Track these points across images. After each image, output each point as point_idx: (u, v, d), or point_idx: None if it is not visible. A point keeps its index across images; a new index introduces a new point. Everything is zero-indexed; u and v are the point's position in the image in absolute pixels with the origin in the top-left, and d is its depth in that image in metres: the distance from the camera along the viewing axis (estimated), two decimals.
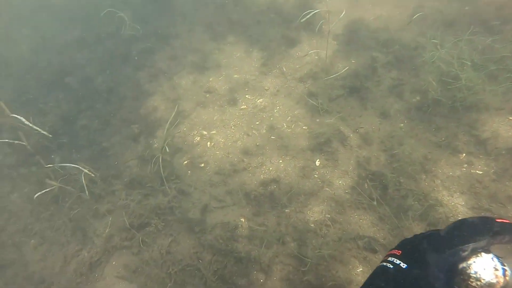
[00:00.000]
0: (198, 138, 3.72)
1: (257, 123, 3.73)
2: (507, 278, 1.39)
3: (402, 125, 3.38)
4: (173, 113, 3.52)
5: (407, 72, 3.72)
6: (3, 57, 5.16)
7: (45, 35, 5.43)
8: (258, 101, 3.94)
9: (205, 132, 3.76)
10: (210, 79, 4.26)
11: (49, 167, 3.32)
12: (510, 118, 3.14)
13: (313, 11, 3.54)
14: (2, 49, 5.32)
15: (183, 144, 3.68)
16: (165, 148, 3.13)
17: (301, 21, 3.63)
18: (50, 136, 3.57)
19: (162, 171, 3.15)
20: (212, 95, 4.09)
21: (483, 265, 1.39)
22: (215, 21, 4.81)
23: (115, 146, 3.74)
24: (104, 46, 4.95)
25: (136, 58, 4.65)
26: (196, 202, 3.17)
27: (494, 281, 1.37)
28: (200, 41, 4.67)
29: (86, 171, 3.20)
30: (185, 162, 3.54)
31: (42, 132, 3.34)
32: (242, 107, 3.91)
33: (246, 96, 4.02)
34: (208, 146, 3.64)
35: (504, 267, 1.39)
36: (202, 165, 3.49)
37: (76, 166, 3.16)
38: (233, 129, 3.74)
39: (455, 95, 3.24)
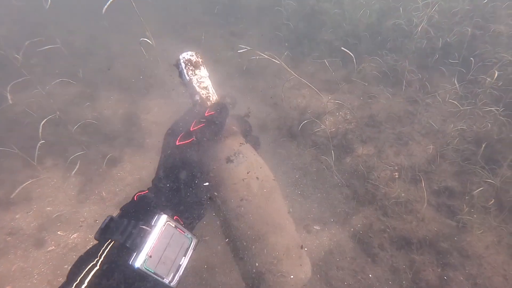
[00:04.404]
0: None
1: (65, 267, 3.20)
2: None
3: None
4: None
5: None
6: None
7: None
8: (71, 237, 3.45)
9: None
10: (17, 216, 3.66)
11: None
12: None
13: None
14: None
15: None
16: None
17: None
18: None
19: None
20: (15, 237, 3.46)
21: None
22: (32, 143, 4.33)
23: None
24: None
25: None
26: None
27: None
28: (9, 169, 4.10)
29: None
30: None
31: None
32: (50, 248, 3.37)
33: (58, 232, 3.50)
34: None
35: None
36: None
37: None
38: (36, 280, 3.14)
39: None
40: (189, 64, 2.28)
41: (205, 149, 1.93)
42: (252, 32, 5.86)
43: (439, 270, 2.71)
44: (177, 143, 1.80)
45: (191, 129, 1.86)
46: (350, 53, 2.33)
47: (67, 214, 3.65)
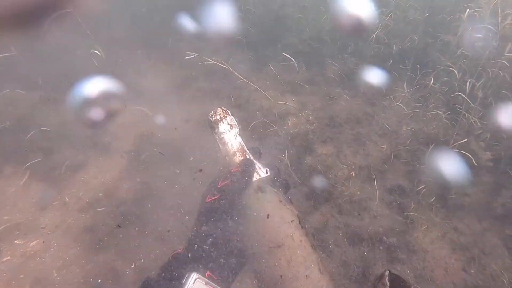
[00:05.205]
0: None
1: (21, 277, 3.16)
2: None
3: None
4: None
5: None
6: None
7: None
8: (30, 245, 3.40)
9: None
10: None
11: None
12: None
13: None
14: None
15: None
16: None
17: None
18: None
19: None
20: None
21: None
22: None
23: None
24: None
25: None
26: None
27: None
28: None
29: None
30: None
31: None
32: (5, 258, 3.31)
33: (16, 241, 3.44)
34: None
35: None
36: None
37: None
38: None
39: None
40: (211, 124, 2.18)
41: (233, 202, 1.87)
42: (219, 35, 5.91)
43: (387, 264, 2.87)
44: (206, 200, 1.83)
45: (218, 186, 1.87)
46: (292, 59, 2.43)
47: (26, 222, 3.60)
